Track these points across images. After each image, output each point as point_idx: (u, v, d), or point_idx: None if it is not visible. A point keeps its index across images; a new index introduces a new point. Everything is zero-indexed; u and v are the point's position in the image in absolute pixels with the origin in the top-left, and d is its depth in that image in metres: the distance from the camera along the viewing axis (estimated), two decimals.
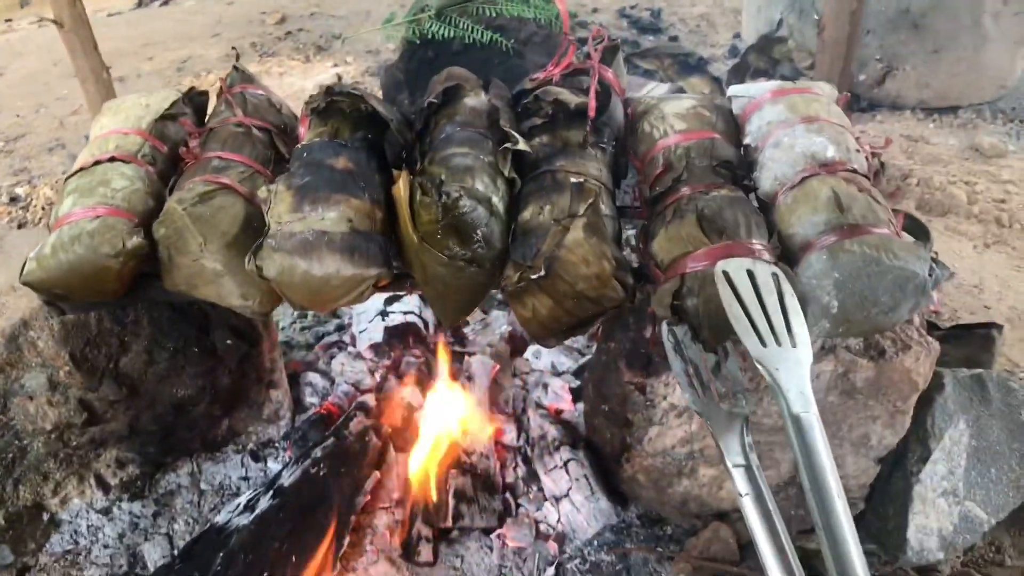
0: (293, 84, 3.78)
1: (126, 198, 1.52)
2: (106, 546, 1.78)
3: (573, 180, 1.41)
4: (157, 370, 1.70)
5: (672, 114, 1.66)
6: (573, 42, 1.71)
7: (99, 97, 2.64)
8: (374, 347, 2.09)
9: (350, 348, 2.16)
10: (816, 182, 1.45)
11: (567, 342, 2.11)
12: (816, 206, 1.42)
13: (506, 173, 1.52)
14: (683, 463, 1.74)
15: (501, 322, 2.21)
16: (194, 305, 1.71)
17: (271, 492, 1.73)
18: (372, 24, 4.45)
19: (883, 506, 1.74)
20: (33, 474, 1.69)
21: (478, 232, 1.40)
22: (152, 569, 1.75)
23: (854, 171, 1.49)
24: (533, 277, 1.25)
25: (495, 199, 1.46)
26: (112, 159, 1.60)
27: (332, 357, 2.13)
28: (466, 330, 2.20)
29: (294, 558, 1.68)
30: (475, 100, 1.71)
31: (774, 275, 1.28)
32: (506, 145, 1.54)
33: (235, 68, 1.77)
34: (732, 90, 1.74)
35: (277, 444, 1.96)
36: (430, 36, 2.64)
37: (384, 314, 2.15)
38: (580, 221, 1.27)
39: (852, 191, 1.43)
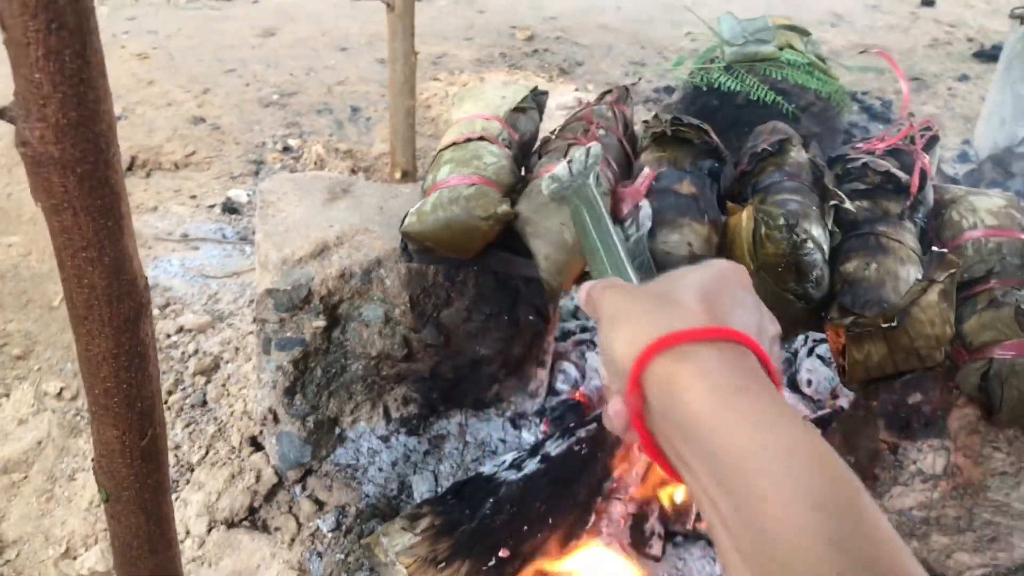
0: None
1: (496, 172, 1.76)
2: (380, 469, 2.02)
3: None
4: (470, 327, 1.93)
5: (983, 209, 1.80)
6: (912, 124, 1.86)
7: (403, 77, 2.94)
8: None
9: (598, 349, 2.36)
10: None
11: (807, 391, 2.25)
12: None
13: (829, 226, 1.69)
14: (917, 526, 1.86)
15: None
16: (512, 280, 1.93)
17: (539, 457, 1.94)
18: (612, 59, 4.70)
19: None
20: (343, 392, 1.94)
21: (815, 273, 1.57)
22: (418, 498, 1.98)
23: None
24: (884, 325, 1.41)
25: (825, 246, 1.63)
26: (480, 138, 1.85)
27: (583, 353, 2.33)
28: None
29: (551, 520, 1.88)
30: (798, 154, 1.89)
31: None
32: (834, 202, 1.71)
33: (626, 88, 2.00)
34: None
35: (530, 418, 2.16)
36: (716, 85, 2.82)
37: None
38: (938, 287, 1.43)
39: None
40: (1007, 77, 3.77)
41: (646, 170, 1.73)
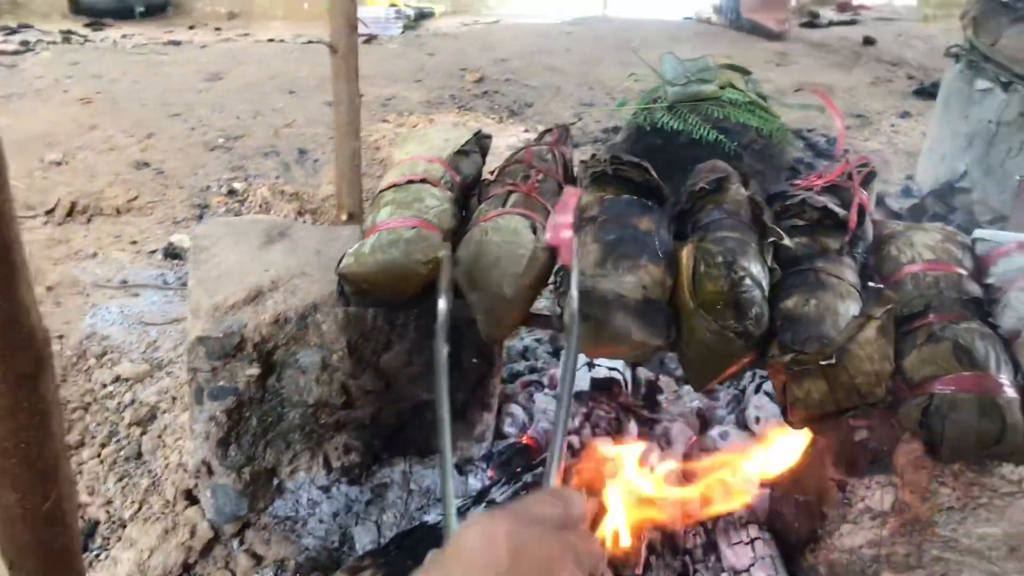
0: None
1: (437, 216, 1.73)
2: (321, 521, 1.95)
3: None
4: (411, 372, 1.89)
5: (921, 243, 1.81)
6: (848, 161, 1.88)
7: (348, 119, 2.91)
8: (576, 395, 2.25)
9: (547, 390, 2.32)
10: None
11: (755, 430, 2.23)
12: None
13: (769, 263, 1.68)
14: (867, 564, 1.84)
15: (693, 397, 2.35)
16: (455, 322, 1.89)
17: (483, 504, 1.89)
18: (561, 100, 4.74)
19: None
20: (280, 441, 1.88)
21: (753, 310, 1.56)
22: (360, 550, 1.91)
23: None
24: (823, 363, 1.40)
25: (764, 283, 1.62)
26: (423, 180, 1.83)
27: (531, 395, 2.30)
28: (660, 397, 2.34)
29: None
30: (737, 192, 1.89)
31: None
32: (772, 239, 1.71)
33: (566, 128, 1.99)
34: (978, 233, 1.89)
35: (477, 463, 2.11)
36: (660, 125, 2.84)
37: (591, 365, 2.31)
38: (876, 323, 1.42)
39: None
40: (945, 115, 3.86)
41: (568, 190, 1.46)
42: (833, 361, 1.40)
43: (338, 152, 3.06)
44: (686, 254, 1.64)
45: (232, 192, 3.52)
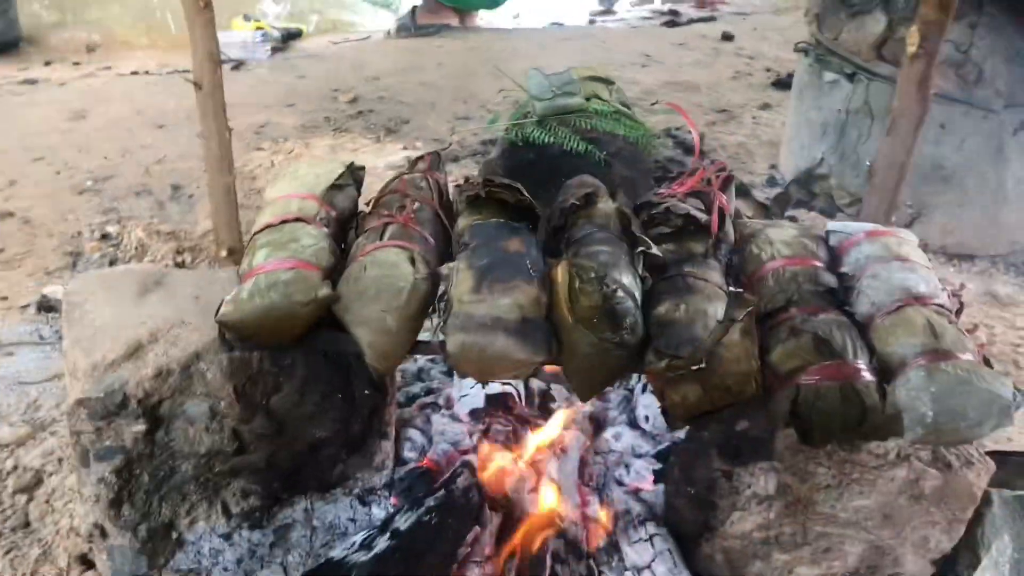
0: (367, 161, 4.04)
1: (315, 254, 1.74)
2: (226, 569, 1.92)
3: (733, 290, 1.65)
4: (304, 411, 1.89)
5: (779, 240, 1.93)
6: (704, 168, 1.98)
7: (219, 154, 2.87)
8: (472, 412, 2.29)
9: (444, 410, 2.35)
10: (911, 311, 1.71)
11: (646, 428, 2.32)
12: (913, 331, 1.67)
13: (640, 272, 1.76)
14: (759, 547, 1.94)
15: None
16: (343, 356, 1.90)
17: (388, 534, 1.90)
18: (436, 115, 4.77)
19: None
20: (175, 494, 1.85)
21: (627, 320, 1.63)
22: None
23: (941, 306, 1.76)
24: (694, 368, 1.48)
25: (636, 293, 1.70)
26: (297, 219, 1.83)
27: (428, 417, 2.32)
28: (552, 405, 2.40)
29: None
30: (606, 205, 1.97)
31: None
32: (641, 249, 1.79)
33: (437, 155, 2.03)
34: (830, 225, 2.02)
35: (379, 492, 2.12)
36: (531, 140, 2.91)
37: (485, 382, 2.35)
38: (739, 325, 1.51)
39: (943, 322, 1.70)
40: (800, 106, 4.09)
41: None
42: (703, 366, 1.48)
43: (212, 189, 3.02)
44: (561, 271, 1.70)
45: (105, 236, 3.40)
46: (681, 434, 2.27)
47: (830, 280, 1.84)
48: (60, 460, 2.22)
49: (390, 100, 4.86)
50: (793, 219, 3.64)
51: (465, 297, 1.61)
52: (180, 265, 3.28)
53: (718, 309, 1.70)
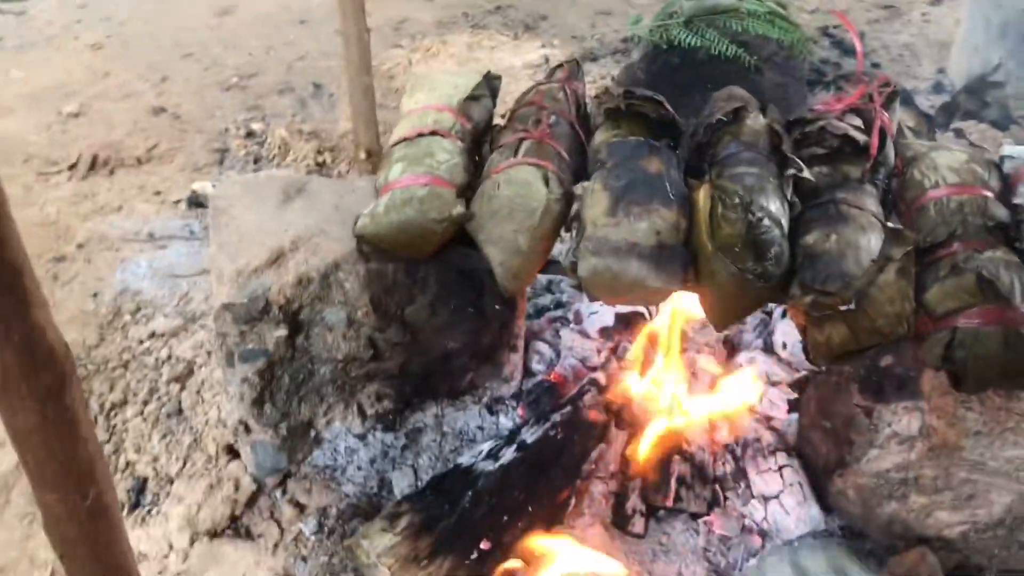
0: (503, 60, 3.98)
1: (449, 170, 1.72)
2: (359, 468, 2.01)
3: (891, 225, 1.53)
4: (436, 322, 1.91)
5: (945, 166, 1.76)
6: (866, 83, 1.82)
7: (358, 56, 2.87)
8: (602, 329, 2.27)
9: (573, 325, 2.34)
10: None
11: (783, 355, 2.24)
12: None
13: (789, 198, 1.65)
14: (895, 487, 1.86)
15: None
16: (475, 271, 1.90)
17: (515, 446, 1.93)
18: (577, 10, 4.60)
19: None
20: (314, 395, 1.93)
21: (772, 250, 1.54)
22: (399, 494, 1.98)
23: None
24: (843, 309, 1.39)
25: (783, 221, 1.60)
26: (433, 133, 1.80)
27: (557, 331, 2.32)
28: (684, 326, 2.35)
29: (531, 508, 1.88)
30: (755, 122, 1.84)
31: None
32: (792, 171, 1.68)
33: (576, 63, 1.96)
34: (1006, 150, 1.83)
35: (507, 402, 2.15)
36: (676, 43, 2.75)
37: None
38: (895, 265, 1.40)
39: None
40: (978, 3, 3.68)
41: None
42: (853, 307, 1.39)
43: (351, 90, 3.02)
44: (703, 195, 1.62)
45: (251, 134, 3.50)
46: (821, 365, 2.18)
47: (1001, 213, 1.68)
48: (209, 353, 2.35)
49: None
50: (959, 132, 3.34)
51: (600, 220, 1.56)
52: (320, 165, 3.34)
53: (872, 241, 1.58)
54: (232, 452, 2.05)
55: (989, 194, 1.70)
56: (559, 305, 2.48)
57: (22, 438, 0.95)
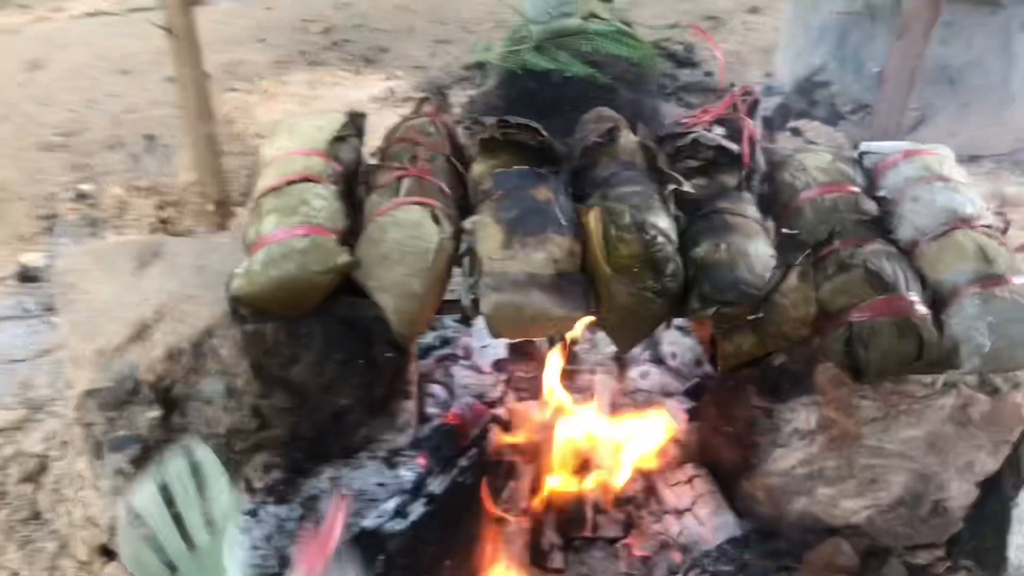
0: (348, 95, 3.87)
1: (328, 217, 1.61)
2: (255, 547, 1.85)
3: (786, 231, 1.55)
4: (324, 380, 1.79)
5: (813, 167, 1.82)
6: (733, 93, 1.85)
7: (196, 102, 2.70)
8: (496, 362, 2.21)
9: (463, 361, 2.27)
10: (960, 235, 1.63)
11: (674, 365, 2.25)
12: (963, 256, 1.60)
13: (672, 212, 1.66)
14: (802, 482, 1.90)
15: (607, 342, 2.34)
16: (360, 320, 1.80)
17: (423, 499, 1.83)
18: (415, 40, 4.55)
19: (980, 526, 1.92)
20: None
21: (669, 267, 1.53)
22: None
23: (989, 227, 1.67)
24: (750, 318, 1.39)
25: (673, 236, 1.59)
26: (304, 179, 1.69)
27: (448, 369, 2.24)
28: (575, 350, 2.32)
29: (447, 563, 1.79)
30: (628, 140, 1.84)
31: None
32: (673, 187, 1.68)
33: (443, 94, 1.89)
34: (864, 146, 1.91)
35: (405, 453, 2.05)
36: (529, 67, 2.74)
37: None
38: (797, 269, 1.41)
39: (993, 245, 1.62)
40: (798, 9, 3.92)
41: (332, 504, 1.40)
42: (761, 315, 1.39)
43: (192, 140, 2.85)
44: (593, 218, 1.58)
45: (82, 196, 3.22)
46: (710, 369, 2.21)
47: (871, 207, 1.74)
48: (64, 443, 2.11)
49: (365, 27, 4.61)
50: (796, 131, 3.53)
51: (495, 254, 1.50)
52: (164, 222, 3.12)
53: (759, 247, 1.60)
54: (108, 553, 1.84)
55: (857, 190, 1.77)
56: (445, 342, 2.40)
57: None
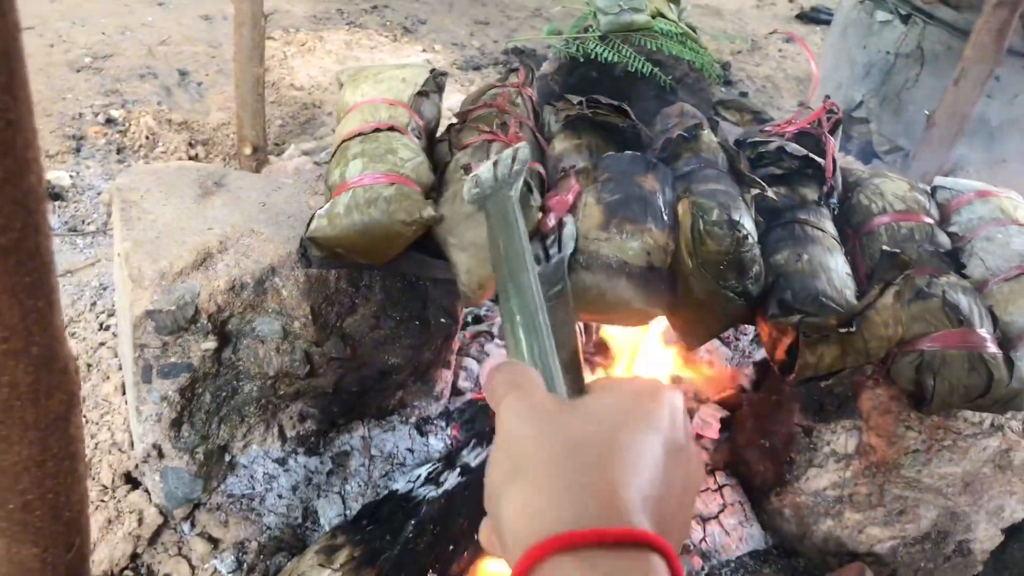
0: (385, 61, 3.82)
1: (414, 169, 1.58)
2: (280, 496, 1.82)
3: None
4: (378, 335, 1.76)
5: (890, 193, 1.82)
6: (815, 110, 1.85)
7: (252, 43, 2.65)
8: None
9: (498, 339, 2.24)
10: None
11: (710, 373, 2.25)
12: None
13: (753, 216, 1.65)
14: (831, 505, 1.90)
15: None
16: (421, 281, 1.77)
17: (458, 469, 1.81)
18: (454, 18, 4.50)
19: (1000, 572, 1.93)
20: (234, 415, 1.72)
21: (754, 269, 1.52)
22: (327, 525, 1.80)
23: None
24: (843, 331, 1.38)
25: (756, 238, 1.58)
26: (391, 128, 1.66)
27: (482, 346, 2.21)
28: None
29: (477, 536, 1.76)
30: (710, 139, 1.83)
31: None
32: (757, 192, 1.67)
33: (531, 69, 1.87)
34: (939, 181, 1.92)
35: (435, 422, 2.02)
36: (593, 56, 2.72)
37: None
38: (894, 288, 1.41)
39: None
40: (842, 43, 3.94)
41: (573, 181, 1.59)
42: (853, 329, 1.38)
43: (238, 80, 2.79)
44: (683, 210, 1.57)
45: (110, 121, 3.14)
46: (746, 383, 2.21)
47: (946, 241, 1.75)
48: (89, 366, 2.05)
49: None
50: None
51: (592, 233, 1.48)
52: (193, 159, 3.05)
53: (838, 262, 1.60)
54: (131, 481, 1.79)
55: (932, 222, 1.78)
56: (478, 319, 2.37)
57: (9, 480, 0.75)
